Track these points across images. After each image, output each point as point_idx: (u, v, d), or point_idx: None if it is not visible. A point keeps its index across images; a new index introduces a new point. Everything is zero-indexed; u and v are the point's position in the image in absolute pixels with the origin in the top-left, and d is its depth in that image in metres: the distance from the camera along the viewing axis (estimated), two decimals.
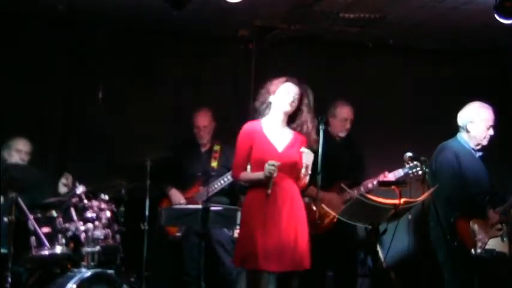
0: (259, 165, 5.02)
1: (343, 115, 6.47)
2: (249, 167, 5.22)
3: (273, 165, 4.92)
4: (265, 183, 4.96)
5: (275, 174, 4.93)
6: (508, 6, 5.73)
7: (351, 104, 6.53)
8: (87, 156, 6.93)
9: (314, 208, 6.06)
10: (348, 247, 6.42)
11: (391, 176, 6.11)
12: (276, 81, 5.17)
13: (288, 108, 5.13)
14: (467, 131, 5.84)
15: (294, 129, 5.19)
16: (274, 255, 4.90)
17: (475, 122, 5.82)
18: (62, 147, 7.12)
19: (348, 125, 6.48)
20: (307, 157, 5.03)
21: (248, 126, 5.18)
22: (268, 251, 4.90)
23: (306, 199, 5.94)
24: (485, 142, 5.85)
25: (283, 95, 5.12)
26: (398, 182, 5.81)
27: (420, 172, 5.78)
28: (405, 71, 7.81)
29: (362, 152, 6.67)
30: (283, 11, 6.63)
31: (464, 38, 7.22)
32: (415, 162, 5.82)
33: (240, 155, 5.17)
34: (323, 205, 6.13)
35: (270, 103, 5.14)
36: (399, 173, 6.07)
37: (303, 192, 5.36)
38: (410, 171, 5.98)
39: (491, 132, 5.83)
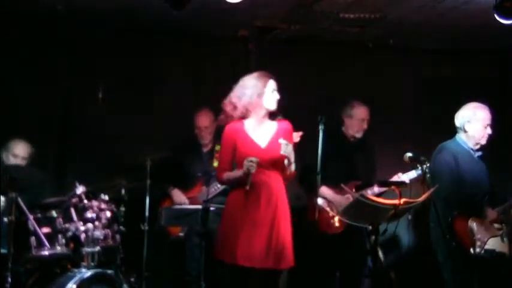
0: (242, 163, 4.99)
1: (360, 115, 6.48)
2: None
3: (251, 161, 4.88)
4: (244, 179, 4.92)
5: (253, 170, 4.87)
6: (508, 6, 5.73)
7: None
8: (87, 156, 6.93)
9: (328, 209, 6.09)
10: (358, 248, 6.42)
11: (404, 177, 6.11)
12: (257, 81, 5.08)
13: (275, 106, 5.10)
14: (465, 131, 5.84)
15: (278, 120, 5.14)
16: (256, 252, 4.88)
17: (472, 121, 5.82)
18: (62, 147, 7.12)
19: (365, 126, 6.50)
20: (284, 148, 4.94)
21: (229, 128, 5.12)
22: (251, 248, 4.87)
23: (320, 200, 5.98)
24: (483, 141, 5.86)
25: (270, 93, 5.07)
26: (398, 183, 5.82)
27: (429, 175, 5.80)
28: (405, 71, 7.81)
29: (375, 153, 6.67)
30: (283, 11, 6.63)
31: (464, 38, 7.22)
32: (428, 164, 5.80)
33: (223, 157, 5.14)
34: (323, 205, 6.15)
35: (256, 103, 5.06)
36: (413, 174, 6.07)
37: (307, 184, 5.33)
38: (422, 173, 5.97)
39: (489, 131, 5.84)
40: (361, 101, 6.64)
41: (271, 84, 5.08)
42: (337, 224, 6.18)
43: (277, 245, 4.92)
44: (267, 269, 4.93)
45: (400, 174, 6.14)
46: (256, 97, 5.05)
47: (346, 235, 6.14)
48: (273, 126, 5.13)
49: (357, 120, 6.48)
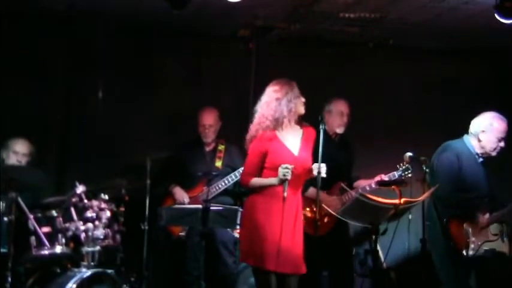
0: (275, 171, 4.99)
1: (339, 108, 6.35)
2: None
3: (286, 168, 4.91)
4: (279, 186, 4.97)
5: (289, 177, 4.92)
6: (508, 6, 5.72)
7: (350, 104, 6.52)
8: (87, 156, 6.93)
9: (314, 209, 6.08)
10: (343, 246, 6.41)
11: (386, 179, 6.09)
12: (285, 87, 5.10)
13: (303, 108, 5.14)
14: (479, 140, 5.76)
15: (304, 126, 5.19)
16: (284, 257, 4.92)
17: (487, 132, 5.74)
18: (62, 147, 7.12)
19: (345, 119, 6.37)
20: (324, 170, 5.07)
21: (263, 135, 5.09)
22: (280, 253, 4.91)
23: None
24: (494, 153, 5.79)
25: (298, 98, 5.10)
26: (398, 182, 5.81)
27: (410, 175, 5.80)
28: (405, 71, 7.81)
29: (355, 153, 6.65)
30: (283, 11, 6.63)
31: (464, 38, 7.22)
32: (407, 165, 5.82)
33: (252, 162, 5.11)
34: (323, 205, 6.15)
35: (289, 112, 5.08)
36: (394, 175, 6.05)
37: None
38: (403, 174, 5.97)
39: (502, 144, 5.76)
40: (361, 101, 6.63)
41: (297, 89, 5.11)
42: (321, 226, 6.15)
43: (299, 250, 5.03)
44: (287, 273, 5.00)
45: (382, 175, 6.11)
46: (289, 106, 5.06)
47: (331, 236, 6.12)
48: (299, 132, 5.17)
49: (336, 114, 6.34)
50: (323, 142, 5.16)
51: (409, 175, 5.82)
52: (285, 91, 5.08)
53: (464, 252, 5.57)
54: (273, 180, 4.99)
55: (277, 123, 5.08)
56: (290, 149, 5.09)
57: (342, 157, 6.33)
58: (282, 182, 4.94)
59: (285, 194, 4.92)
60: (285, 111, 5.06)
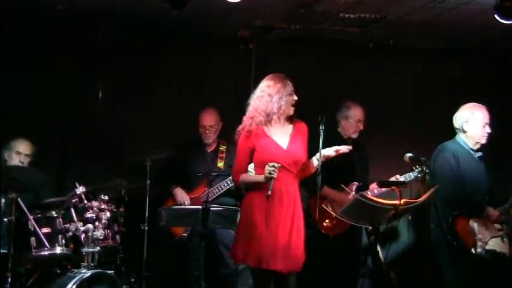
0: (264, 166, 4.96)
1: (357, 116, 6.48)
2: (251, 168, 5.19)
3: (273, 166, 4.88)
4: (266, 184, 4.94)
5: (275, 175, 4.89)
6: (508, 6, 5.73)
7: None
8: (87, 156, 6.93)
9: (329, 209, 6.11)
10: (355, 247, 6.43)
11: (402, 180, 6.10)
12: (278, 84, 5.07)
13: (292, 108, 5.11)
14: (464, 131, 5.85)
15: (295, 122, 5.17)
16: (279, 254, 4.89)
17: (470, 121, 5.84)
18: (62, 147, 7.12)
19: (362, 127, 6.50)
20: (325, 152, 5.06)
21: (250, 132, 5.09)
22: (274, 250, 4.88)
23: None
24: (483, 140, 5.87)
25: (289, 96, 5.08)
26: (398, 183, 5.81)
27: (428, 177, 5.80)
28: (405, 71, 7.81)
29: (367, 154, 6.68)
30: (283, 11, 6.63)
31: (464, 38, 7.23)
32: (423, 167, 5.81)
33: (240, 160, 5.12)
34: (323, 205, 6.16)
35: (279, 109, 5.06)
36: (410, 176, 6.07)
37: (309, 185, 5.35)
38: (418, 175, 5.97)
39: (488, 130, 5.85)
40: (361, 101, 6.63)
41: (290, 86, 5.09)
42: (338, 225, 6.17)
43: (299, 247, 4.98)
44: (289, 271, 4.97)
45: (398, 176, 6.13)
46: (279, 103, 5.04)
47: (346, 236, 6.14)
48: (289, 127, 5.15)
49: (353, 122, 6.48)
50: (323, 142, 5.16)
51: (427, 177, 5.80)
52: (278, 88, 5.06)
53: (472, 250, 5.60)
54: (259, 177, 4.97)
55: (268, 119, 5.07)
56: (279, 143, 5.07)
57: (355, 159, 6.36)
58: (268, 180, 4.91)
59: (269, 193, 4.88)
60: (275, 108, 5.05)
